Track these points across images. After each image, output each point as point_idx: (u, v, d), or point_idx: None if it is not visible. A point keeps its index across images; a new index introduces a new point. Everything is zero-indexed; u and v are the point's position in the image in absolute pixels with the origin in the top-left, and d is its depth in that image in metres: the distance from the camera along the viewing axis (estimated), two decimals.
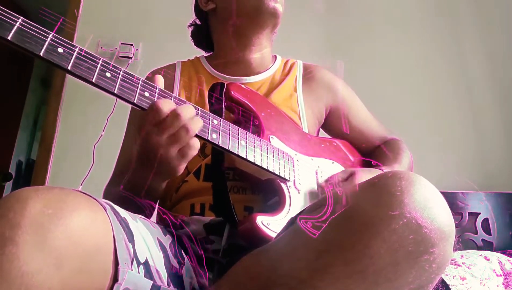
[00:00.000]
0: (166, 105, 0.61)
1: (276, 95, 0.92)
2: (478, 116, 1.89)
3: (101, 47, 1.90)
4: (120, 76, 0.59)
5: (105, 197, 0.84)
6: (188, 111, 0.62)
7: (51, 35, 0.54)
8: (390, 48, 1.99)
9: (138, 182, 0.69)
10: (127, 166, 0.75)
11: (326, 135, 1.03)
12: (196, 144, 0.64)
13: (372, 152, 1.01)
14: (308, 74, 0.99)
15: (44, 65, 3.04)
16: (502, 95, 1.91)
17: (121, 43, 1.92)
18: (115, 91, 0.58)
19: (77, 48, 0.56)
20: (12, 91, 2.66)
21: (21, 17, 0.52)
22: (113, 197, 0.78)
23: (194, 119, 0.63)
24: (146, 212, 0.80)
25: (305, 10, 1.92)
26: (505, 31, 1.99)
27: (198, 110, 0.67)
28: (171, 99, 0.64)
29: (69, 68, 0.54)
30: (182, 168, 0.66)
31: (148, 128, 0.62)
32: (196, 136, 0.65)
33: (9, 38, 0.50)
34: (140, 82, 0.62)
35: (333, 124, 1.01)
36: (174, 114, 0.61)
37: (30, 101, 3.02)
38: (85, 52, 0.57)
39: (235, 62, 0.95)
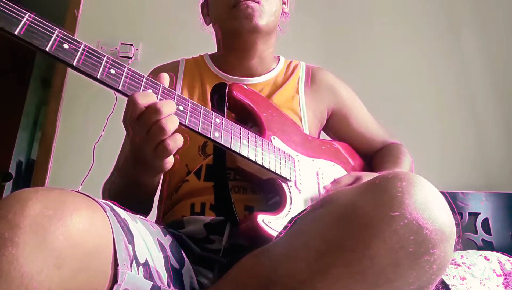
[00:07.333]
0: (143, 99, 0.57)
1: (278, 96, 0.92)
2: (479, 116, 1.89)
3: (101, 47, 1.90)
4: (124, 73, 0.59)
5: (103, 193, 0.84)
6: (169, 107, 0.58)
7: (57, 31, 0.54)
8: (390, 48, 1.98)
9: (130, 178, 0.70)
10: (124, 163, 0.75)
11: (327, 137, 1.04)
12: (171, 145, 0.58)
13: (372, 155, 1.01)
14: (311, 76, 0.99)
15: (44, 65, 3.03)
16: (503, 95, 1.90)
17: (121, 43, 1.92)
18: (119, 88, 0.58)
19: (82, 44, 0.56)
20: (12, 91, 2.66)
21: (28, 13, 0.52)
22: (112, 193, 0.78)
23: (171, 117, 0.58)
24: (146, 208, 0.80)
25: (305, 10, 1.92)
26: (507, 30, 1.99)
27: (201, 108, 0.67)
28: (175, 97, 0.63)
29: (74, 64, 0.54)
30: (165, 165, 0.63)
31: (129, 123, 0.59)
32: (199, 134, 0.64)
33: (16, 33, 0.50)
34: (144, 79, 0.62)
35: (334, 126, 1.01)
36: (153, 109, 0.57)
37: (30, 101, 3.02)
38: (90, 48, 0.57)
39: (235, 65, 0.95)
